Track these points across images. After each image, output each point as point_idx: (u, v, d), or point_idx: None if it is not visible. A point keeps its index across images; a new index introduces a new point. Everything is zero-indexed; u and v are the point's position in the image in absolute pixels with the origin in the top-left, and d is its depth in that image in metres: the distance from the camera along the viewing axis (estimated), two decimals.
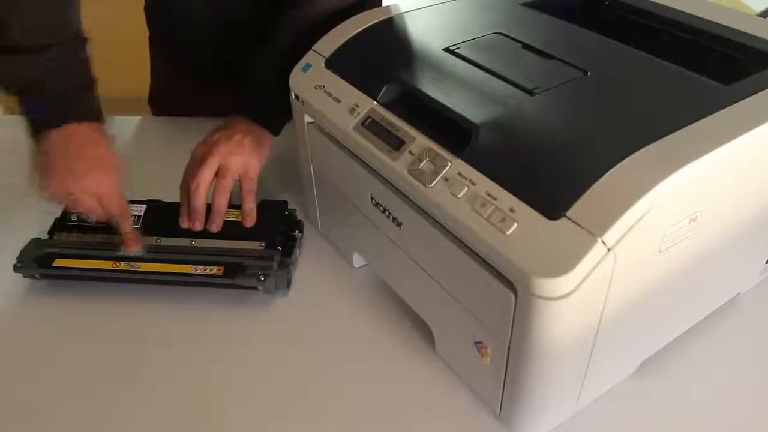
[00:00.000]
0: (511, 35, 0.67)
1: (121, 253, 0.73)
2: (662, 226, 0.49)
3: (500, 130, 0.55)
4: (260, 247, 0.73)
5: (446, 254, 0.55)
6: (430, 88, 0.60)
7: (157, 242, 0.74)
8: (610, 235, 0.45)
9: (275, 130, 0.78)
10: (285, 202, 0.80)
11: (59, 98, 0.71)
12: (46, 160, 0.70)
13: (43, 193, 0.70)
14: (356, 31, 0.70)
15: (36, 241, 0.75)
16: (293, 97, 0.71)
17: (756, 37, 0.64)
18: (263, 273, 0.70)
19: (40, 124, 0.70)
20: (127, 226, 0.73)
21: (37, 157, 0.70)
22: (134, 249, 0.73)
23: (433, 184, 0.54)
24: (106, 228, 0.75)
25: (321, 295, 0.74)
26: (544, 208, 0.48)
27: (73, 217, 0.76)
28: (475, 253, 0.52)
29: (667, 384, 0.63)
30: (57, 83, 0.71)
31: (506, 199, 0.49)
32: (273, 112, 0.77)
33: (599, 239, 0.45)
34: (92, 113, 0.73)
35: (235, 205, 0.75)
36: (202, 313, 0.71)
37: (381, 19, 0.72)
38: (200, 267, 0.71)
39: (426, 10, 0.74)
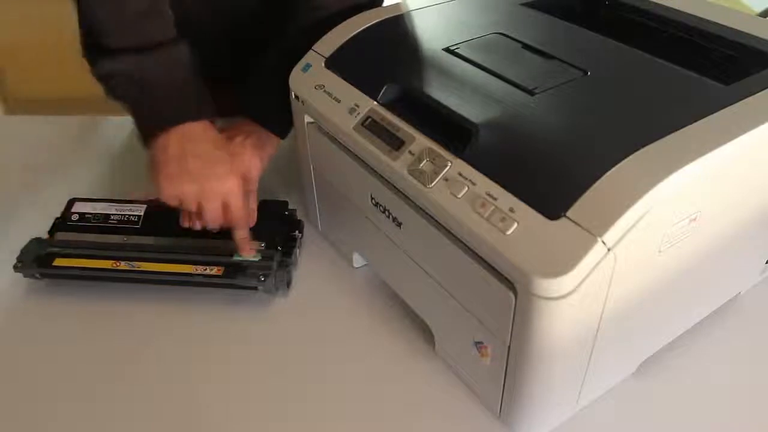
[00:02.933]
0: (511, 35, 0.67)
1: (120, 254, 0.73)
2: (662, 226, 0.49)
3: (500, 130, 0.55)
4: (260, 247, 0.73)
5: (446, 254, 0.55)
6: (430, 88, 0.60)
7: (157, 242, 0.74)
8: (610, 235, 0.45)
9: (279, 132, 0.78)
10: (285, 202, 0.80)
11: (169, 99, 0.69)
12: (174, 164, 0.66)
13: (167, 199, 0.67)
14: (356, 31, 0.70)
15: (36, 241, 0.75)
16: (293, 97, 0.71)
17: (756, 37, 0.64)
18: (263, 273, 0.70)
19: (154, 127, 0.68)
20: (243, 232, 0.71)
21: (154, 163, 0.67)
22: (249, 253, 0.71)
23: (433, 184, 0.54)
24: (106, 228, 0.75)
25: (321, 295, 0.74)
26: (544, 208, 0.48)
27: (74, 217, 0.76)
28: (475, 253, 0.52)
29: (667, 384, 0.63)
30: (164, 83, 0.69)
31: (506, 199, 0.49)
32: (275, 113, 0.77)
33: (599, 239, 0.45)
34: (205, 111, 0.71)
35: None
36: (202, 313, 0.71)
37: (381, 19, 0.72)
38: (200, 267, 0.71)
39: (426, 10, 0.74)
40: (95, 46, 0.68)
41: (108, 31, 0.67)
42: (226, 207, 0.68)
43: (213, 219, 0.69)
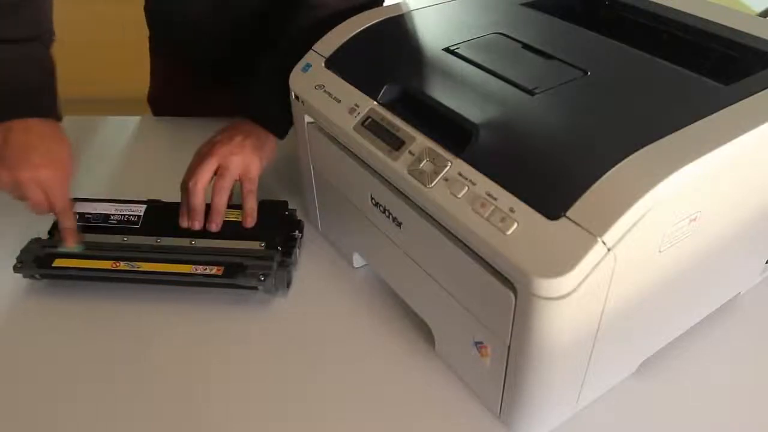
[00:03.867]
0: (511, 35, 0.67)
1: (120, 254, 0.73)
2: (662, 226, 0.49)
3: (500, 130, 0.55)
4: (260, 247, 0.73)
5: (446, 254, 0.55)
6: (430, 88, 0.60)
7: (157, 242, 0.74)
8: (611, 235, 0.45)
9: (279, 132, 0.78)
10: (285, 202, 0.80)
11: (16, 91, 0.72)
12: (1, 149, 0.69)
13: None
14: (356, 31, 0.70)
15: (36, 241, 0.75)
16: (293, 97, 0.71)
17: (756, 37, 0.64)
18: (263, 273, 0.70)
19: None
20: (67, 222, 0.73)
21: None
22: (72, 245, 0.73)
23: (433, 184, 0.54)
24: (106, 228, 0.75)
25: (321, 295, 0.74)
26: (544, 208, 0.48)
27: (75, 217, 0.76)
28: (475, 253, 0.52)
29: (667, 384, 0.63)
30: (16, 76, 0.72)
31: (506, 199, 0.49)
32: (275, 113, 0.77)
33: (599, 239, 0.45)
34: (51, 109, 0.74)
35: (235, 205, 0.75)
36: (202, 313, 0.71)
37: (381, 19, 0.72)
38: (200, 267, 0.71)
39: (426, 10, 0.74)
40: None
41: None
42: (50, 199, 0.71)
43: (34, 205, 0.71)
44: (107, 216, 0.76)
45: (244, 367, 0.66)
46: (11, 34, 0.72)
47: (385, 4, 0.79)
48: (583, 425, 0.60)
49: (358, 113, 0.62)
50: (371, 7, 0.75)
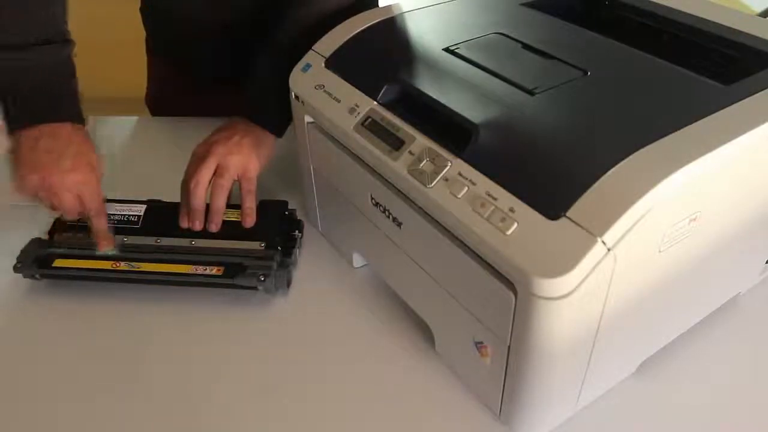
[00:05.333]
0: (511, 35, 0.67)
1: (120, 253, 0.73)
2: (662, 226, 0.49)
3: (500, 130, 0.55)
4: (260, 247, 0.73)
5: (446, 254, 0.55)
6: (430, 88, 0.60)
7: (157, 242, 0.74)
8: (610, 235, 0.45)
9: (276, 131, 0.78)
10: (285, 202, 0.80)
11: (42, 96, 0.71)
12: (27, 156, 0.69)
13: (20, 189, 0.70)
14: (356, 31, 0.70)
15: (36, 241, 0.75)
16: (293, 97, 0.71)
17: (756, 37, 0.64)
18: (263, 273, 0.70)
19: (20, 121, 0.70)
20: (102, 225, 0.73)
21: (16, 154, 0.70)
22: (107, 248, 0.73)
23: (433, 184, 0.54)
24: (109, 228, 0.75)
25: (321, 295, 0.74)
26: (544, 208, 0.48)
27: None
28: (475, 253, 0.52)
29: (667, 384, 0.63)
30: (40, 81, 0.71)
31: (506, 199, 0.49)
32: (273, 112, 0.77)
33: (599, 239, 0.45)
34: (75, 113, 0.73)
35: (234, 205, 0.75)
36: (202, 313, 0.71)
37: (381, 19, 0.72)
38: (200, 267, 0.71)
39: (426, 10, 0.74)
40: None
41: None
42: (84, 203, 0.71)
43: (67, 210, 0.71)
44: (107, 216, 0.76)
45: (244, 367, 0.66)
46: (32, 37, 0.71)
47: (384, 3, 0.79)
48: (583, 425, 0.60)
49: (358, 113, 0.62)
50: (368, 6, 0.75)
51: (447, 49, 0.65)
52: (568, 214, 0.47)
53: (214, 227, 0.73)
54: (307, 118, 0.71)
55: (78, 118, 0.73)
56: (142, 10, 1.01)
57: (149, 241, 0.74)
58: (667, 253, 0.51)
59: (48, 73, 0.72)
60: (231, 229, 0.74)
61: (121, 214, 0.76)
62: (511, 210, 0.49)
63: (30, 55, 0.71)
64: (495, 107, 0.57)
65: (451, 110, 0.57)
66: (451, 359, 0.64)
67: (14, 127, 0.71)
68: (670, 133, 0.50)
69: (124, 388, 0.64)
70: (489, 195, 0.50)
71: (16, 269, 0.72)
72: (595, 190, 0.47)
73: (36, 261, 0.72)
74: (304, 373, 0.65)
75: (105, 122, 1.04)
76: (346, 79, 0.66)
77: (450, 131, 0.56)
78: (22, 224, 0.79)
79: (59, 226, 0.76)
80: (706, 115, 0.52)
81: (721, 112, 0.53)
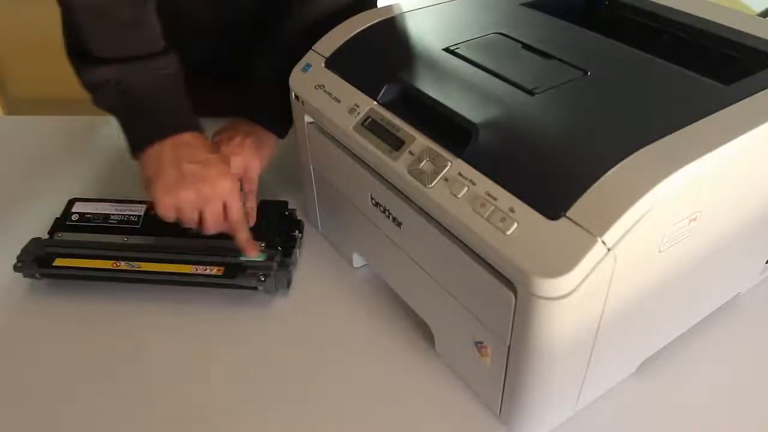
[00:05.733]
0: (511, 35, 0.67)
1: (120, 254, 0.73)
2: (662, 226, 0.49)
3: (500, 130, 0.55)
4: (260, 247, 0.73)
5: (446, 254, 0.55)
6: (430, 88, 0.60)
7: (157, 242, 0.74)
8: (610, 235, 0.45)
9: (278, 131, 0.78)
10: (285, 202, 0.80)
11: (164, 109, 0.69)
12: (170, 172, 0.65)
13: (167, 209, 0.66)
14: (356, 31, 0.70)
15: (36, 241, 0.75)
16: (293, 97, 0.71)
17: (756, 37, 0.64)
18: (263, 273, 0.70)
19: (149, 139, 0.67)
20: (245, 231, 0.70)
21: (150, 175, 0.66)
22: (255, 254, 0.71)
23: (433, 184, 0.54)
24: (106, 228, 0.75)
25: (321, 295, 0.74)
26: (544, 208, 0.48)
27: (74, 217, 0.76)
28: (475, 253, 0.52)
29: (667, 384, 0.63)
30: (160, 93, 0.69)
31: (506, 199, 0.50)
32: (274, 113, 0.77)
33: (599, 239, 0.45)
34: (196, 121, 0.70)
35: None
36: (202, 313, 0.71)
37: (381, 19, 0.72)
38: (200, 267, 0.71)
39: (426, 10, 0.74)
40: (81, 53, 0.67)
41: (95, 40, 0.67)
42: (225, 210, 0.68)
43: (214, 224, 0.68)
44: (107, 216, 0.76)
45: (244, 367, 0.66)
46: (143, 49, 0.68)
47: (384, 3, 0.78)
48: (583, 425, 0.60)
49: (358, 113, 0.62)
50: (368, 6, 0.75)
51: (447, 49, 0.65)
52: (568, 214, 0.47)
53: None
54: (307, 118, 0.71)
55: (198, 126, 0.70)
56: None
57: (149, 241, 0.74)
58: (667, 253, 0.51)
59: (165, 83, 0.69)
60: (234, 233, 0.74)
61: (121, 214, 0.76)
62: (511, 210, 0.49)
63: (140, 67, 0.68)
64: (495, 107, 0.57)
65: (451, 110, 0.57)
66: (451, 359, 0.64)
67: (142, 145, 0.67)
68: (670, 133, 0.50)
69: (124, 388, 0.64)
70: (489, 195, 0.50)
71: (16, 268, 0.72)
72: (595, 190, 0.47)
73: (36, 260, 0.72)
74: (304, 373, 0.65)
75: (106, 122, 1.04)
76: (346, 79, 0.66)
77: (450, 131, 0.56)
78: (22, 224, 0.79)
79: (59, 226, 0.76)
80: (706, 115, 0.52)
81: (721, 112, 0.53)
